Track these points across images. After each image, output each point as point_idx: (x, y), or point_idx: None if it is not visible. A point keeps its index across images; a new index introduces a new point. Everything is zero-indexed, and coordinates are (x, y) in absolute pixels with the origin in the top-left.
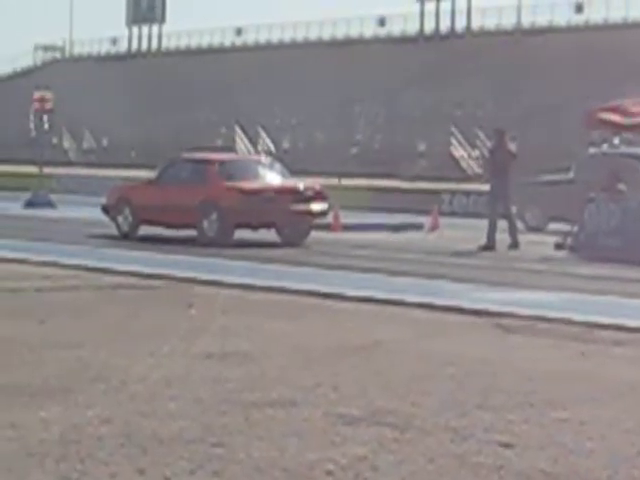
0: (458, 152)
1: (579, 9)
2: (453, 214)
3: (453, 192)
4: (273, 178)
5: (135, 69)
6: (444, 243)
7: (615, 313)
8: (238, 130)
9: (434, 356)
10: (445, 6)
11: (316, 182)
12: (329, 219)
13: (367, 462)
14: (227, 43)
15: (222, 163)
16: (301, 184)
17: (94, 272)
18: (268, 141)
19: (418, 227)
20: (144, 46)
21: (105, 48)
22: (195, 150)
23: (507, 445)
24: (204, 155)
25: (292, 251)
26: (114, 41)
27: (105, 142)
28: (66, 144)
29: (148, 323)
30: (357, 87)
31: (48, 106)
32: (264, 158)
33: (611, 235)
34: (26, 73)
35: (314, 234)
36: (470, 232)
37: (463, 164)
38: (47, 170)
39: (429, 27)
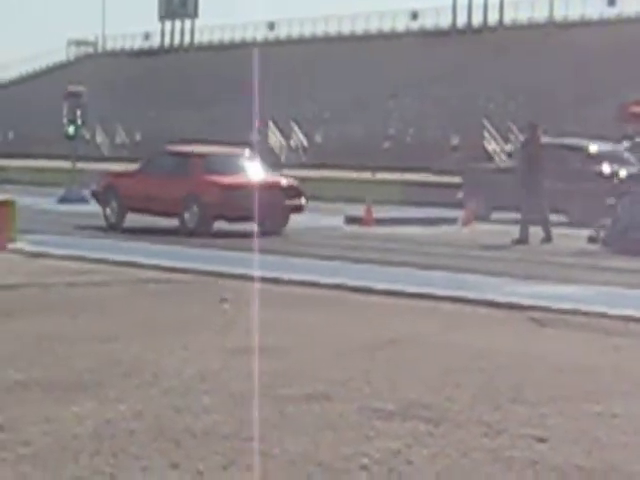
0: (491, 146)
1: (612, 2)
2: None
3: None
4: (254, 172)
5: (167, 64)
6: (477, 237)
7: None
8: (271, 124)
9: (467, 350)
10: (477, 0)
11: (291, 179)
12: (362, 213)
13: (401, 456)
14: (259, 37)
15: (204, 157)
16: (282, 180)
17: (124, 266)
18: (301, 135)
19: (451, 221)
20: (176, 41)
21: (137, 43)
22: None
23: (541, 439)
24: (187, 148)
25: (320, 245)
26: (146, 36)
27: (138, 137)
28: (99, 139)
29: (180, 317)
30: (389, 81)
31: (81, 101)
32: (247, 152)
33: None
34: (59, 68)
35: (346, 227)
36: (504, 226)
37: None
38: (80, 165)
39: (461, 21)
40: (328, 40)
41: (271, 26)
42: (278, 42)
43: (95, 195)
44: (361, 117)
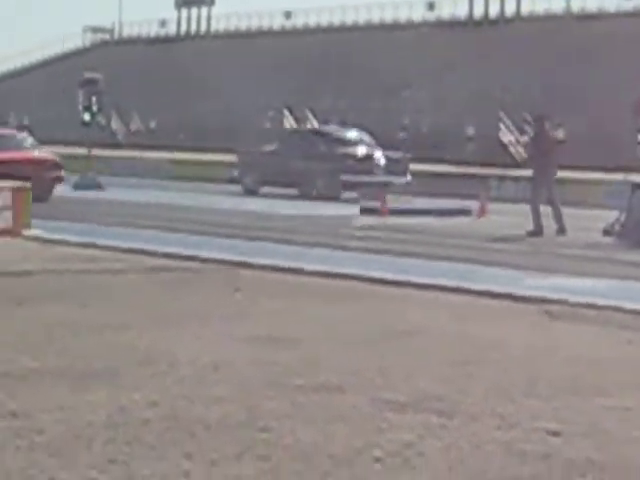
0: (506, 137)
1: None
2: (501, 200)
3: (501, 177)
4: (20, 149)
5: (184, 52)
6: (492, 229)
7: None
8: (286, 113)
9: (479, 342)
10: None
11: (52, 153)
12: (377, 204)
13: (414, 448)
14: (276, 26)
15: None
16: (44, 154)
17: (136, 254)
18: (315, 124)
19: (466, 212)
20: (193, 28)
21: (154, 30)
22: None
23: (554, 433)
24: None
25: (336, 236)
26: (163, 23)
27: (153, 124)
28: (114, 126)
29: (194, 306)
30: (405, 71)
31: (97, 88)
32: (17, 132)
33: None
34: (75, 54)
35: (362, 218)
36: (518, 218)
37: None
38: (96, 152)
39: (478, 11)
40: (345, 29)
41: (288, 15)
42: (295, 31)
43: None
44: (376, 107)
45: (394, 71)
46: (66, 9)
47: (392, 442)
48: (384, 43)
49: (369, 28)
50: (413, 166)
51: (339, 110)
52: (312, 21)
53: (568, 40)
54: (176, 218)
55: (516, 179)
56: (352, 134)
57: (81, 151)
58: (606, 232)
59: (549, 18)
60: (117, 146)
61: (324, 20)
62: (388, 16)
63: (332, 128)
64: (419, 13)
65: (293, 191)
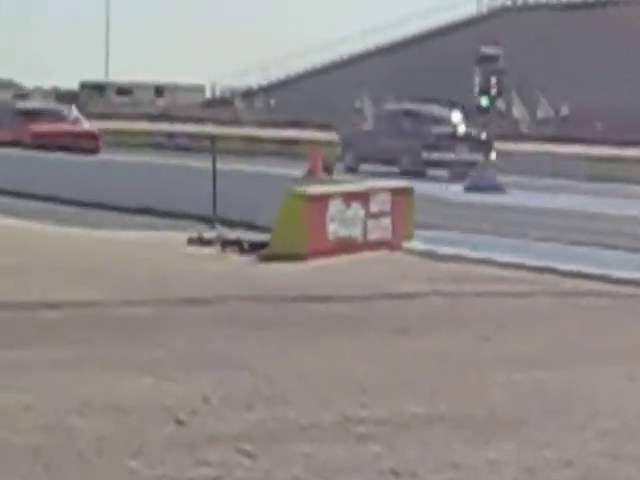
0: None
1: None
2: None
3: None
4: (61, 121)
5: (598, 21)
6: None
7: None
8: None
9: None
10: None
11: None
12: None
13: None
14: None
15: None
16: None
17: (545, 273)
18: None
19: None
20: None
21: None
22: None
23: None
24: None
25: None
26: None
27: (565, 111)
28: (516, 113)
29: (621, 341)
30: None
31: (497, 66)
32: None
33: None
34: (467, 24)
35: None
36: None
37: None
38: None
39: None
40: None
41: None
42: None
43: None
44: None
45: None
46: None
47: None
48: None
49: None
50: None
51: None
52: None
53: None
54: (590, 229)
55: None
56: (442, 113)
57: None
58: None
59: None
60: (520, 138)
61: None
62: None
63: (425, 108)
64: None
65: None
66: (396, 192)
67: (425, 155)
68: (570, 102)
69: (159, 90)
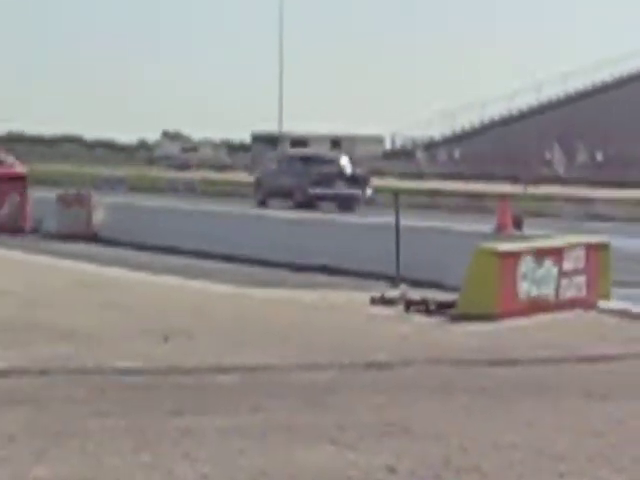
0: None
1: None
2: None
3: None
4: None
5: None
6: None
7: None
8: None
9: None
10: None
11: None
12: None
13: None
14: None
15: None
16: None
17: None
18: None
19: None
20: None
21: None
22: None
23: None
24: None
25: None
26: None
27: None
28: None
29: None
30: None
31: None
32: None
33: None
34: None
35: None
36: None
37: None
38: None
39: None
40: None
41: None
42: None
43: None
44: None
45: None
46: None
47: None
48: None
49: None
50: None
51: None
52: None
53: None
54: None
55: None
56: (331, 156)
57: None
58: None
59: None
60: None
61: None
62: None
63: (314, 152)
64: None
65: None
66: (591, 247)
67: (311, 190)
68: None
69: (336, 142)
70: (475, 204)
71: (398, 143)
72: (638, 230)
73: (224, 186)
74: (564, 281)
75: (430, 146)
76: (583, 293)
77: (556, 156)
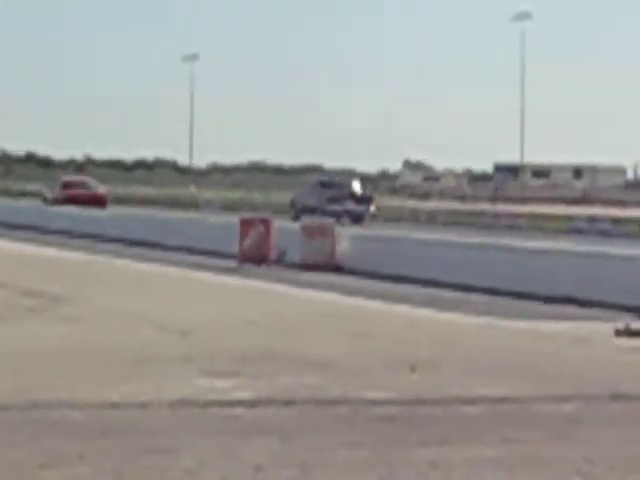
0: None
1: None
2: None
3: None
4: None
5: None
6: None
7: None
8: None
9: None
10: None
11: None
12: None
13: None
14: None
15: None
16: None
17: None
18: None
19: None
20: None
21: None
22: None
23: None
24: None
25: None
26: None
27: None
28: None
29: None
30: None
31: None
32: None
33: None
34: None
35: None
36: None
37: None
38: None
39: None
40: None
41: None
42: None
43: None
44: None
45: None
46: None
47: None
48: None
49: None
50: None
51: None
52: None
53: None
54: None
55: None
56: (344, 181)
57: None
58: None
59: None
60: None
61: None
62: None
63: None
64: None
65: None
66: None
67: (327, 208)
68: None
69: (578, 171)
70: None
71: None
72: None
73: (464, 217)
74: None
75: None
76: None
77: None
